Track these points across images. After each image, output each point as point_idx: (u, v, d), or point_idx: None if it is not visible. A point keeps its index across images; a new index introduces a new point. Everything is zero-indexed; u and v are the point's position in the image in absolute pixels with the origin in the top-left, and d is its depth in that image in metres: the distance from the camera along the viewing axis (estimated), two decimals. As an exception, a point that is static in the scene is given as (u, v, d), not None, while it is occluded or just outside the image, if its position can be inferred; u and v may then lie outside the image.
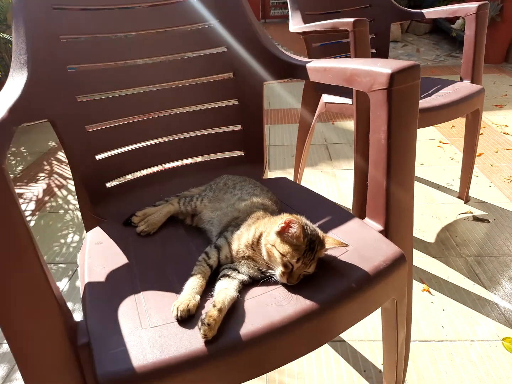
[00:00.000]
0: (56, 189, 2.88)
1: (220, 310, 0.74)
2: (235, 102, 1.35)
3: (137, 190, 1.30)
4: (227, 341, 0.73)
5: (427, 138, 3.28)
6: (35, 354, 0.66)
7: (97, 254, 1.00)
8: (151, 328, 0.76)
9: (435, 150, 3.04)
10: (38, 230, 2.36)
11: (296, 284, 0.84)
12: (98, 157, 1.22)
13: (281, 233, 0.85)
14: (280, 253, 0.83)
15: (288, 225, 0.83)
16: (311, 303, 0.79)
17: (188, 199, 1.17)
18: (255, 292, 0.84)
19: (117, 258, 0.99)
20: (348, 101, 1.98)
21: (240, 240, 0.91)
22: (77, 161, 1.17)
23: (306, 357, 1.49)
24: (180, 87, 1.32)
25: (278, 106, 4.03)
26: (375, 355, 1.50)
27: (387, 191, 0.94)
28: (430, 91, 2.08)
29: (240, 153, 1.40)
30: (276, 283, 0.86)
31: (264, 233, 0.90)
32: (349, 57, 1.90)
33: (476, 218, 2.22)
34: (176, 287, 0.87)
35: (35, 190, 2.89)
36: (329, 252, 0.91)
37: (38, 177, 3.08)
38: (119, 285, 0.89)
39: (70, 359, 0.70)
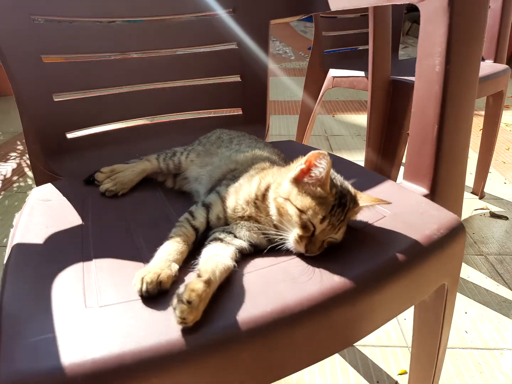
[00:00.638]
0: (26, 169, 2.60)
1: (207, 283, 0.48)
2: (234, 45, 1.09)
3: (108, 146, 1.03)
4: (217, 330, 0.47)
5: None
6: None
7: (41, 213, 0.74)
8: (99, 307, 0.49)
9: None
10: (0, 210, 2.09)
11: (317, 255, 0.59)
12: (56, 98, 0.95)
13: (300, 179, 0.60)
14: (298, 209, 0.58)
15: (311, 164, 0.58)
16: (343, 280, 0.54)
17: (170, 154, 0.91)
18: (259, 264, 0.59)
19: (68, 218, 0.73)
20: (360, 73, 1.76)
21: (239, 194, 0.65)
22: (28, 99, 0.90)
23: (306, 364, 1.23)
24: (169, 23, 1.06)
25: (275, 98, 3.81)
26: (389, 363, 1.25)
27: (438, 142, 0.70)
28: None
29: (237, 111, 1.15)
30: (288, 253, 0.60)
31: (273, 185, 0.64)
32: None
33: (493, 215, 2.01)
34: (145, 256, 0.61)
35: (3, 169, 2.61)
36: (360, 217, 0.66)
37: (8, 157, 2.81)
38: (63, 250, 0.63)
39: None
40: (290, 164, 0.66)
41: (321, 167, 0.57)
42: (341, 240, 0.61)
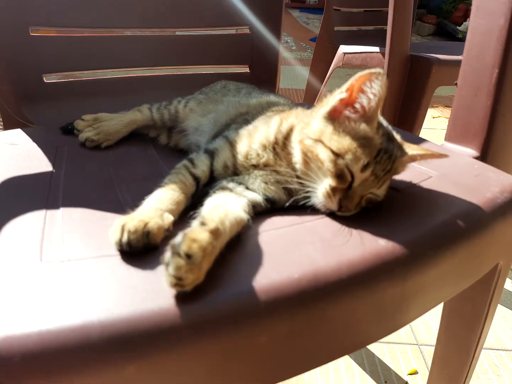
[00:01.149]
0: None
1: (214, 233, 0.35)
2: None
3: (94, 97, 0.88)
4: (226, 300, 0.33)
5: (439, 127, 2.98)
6: None
7: (4, 157, 0.59)
8: (60, 262, 0.35)
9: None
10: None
11: (351, 216, 0.45)
12: (34, 32, 0.79)
13: (338, 114, 0.46)
14: (333, 152, 0.44)
15: (357, 91, 0.44)
16: (392, 246, 0.40)
17: (165, 103, 0.76)
18: (278, 222, 0.45)
19: (35, 164, 0.58)
20: (374, 49, 1.62)
21: (254, 136, 0.51)
22: (-2, 29, 0.75)
23: (307, 359, 1.10)
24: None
25: (283, 86, 3.66)
26: (398, 362, 1.13)
27: (497, 91, 0.57)
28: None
29: (244, 68, 1.00)
30: (314, 211, 0.46)
31: (297, 126, 0.50)
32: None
33: None
34: (129, 210, 0.47)
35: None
36: (401, 177, 0.52)
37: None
38: (22, 196, 0.48)
39: None
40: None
41: (371, 93, 0.43)
42: (382, 199, 0.47)
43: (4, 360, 0.26)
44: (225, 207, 0.40)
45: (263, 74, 1.02)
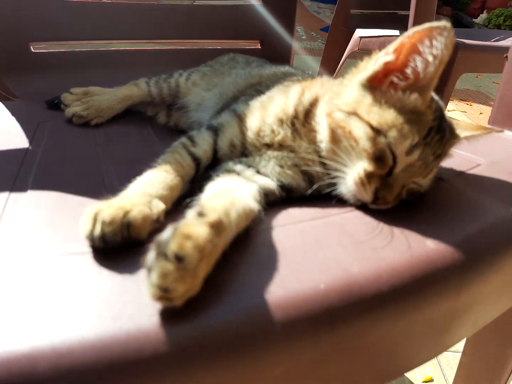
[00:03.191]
0: None
1: (215, 227, 0.26)
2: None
3: (86, 70, 0.79)
4: (228, 320, 0.24)
5: (454, 121, 2.88)
6: None
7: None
8: (10, 260, 0.26)
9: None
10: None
11: (388, 210, 0.36)
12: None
13: (381, 81, 0.36)
14: (372, 128, 0.35)
15: (412, 49, 0.34)
16: (444, 249, 0.31)
17: (164, 77, 0.67)
18: (297, 215, 0.36)
19: (10, 139, 0.50)
20: (394, 32, 1.51)
21: (268, 109, 0.42)
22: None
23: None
24: None
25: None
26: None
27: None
28: (495, 38, 1.65)
29: (255, 44, 0.91)
30: (341, 203, 0.37)
31: (324, 97, 0.41)
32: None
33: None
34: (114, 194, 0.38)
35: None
36: (445, 165, 0.43)
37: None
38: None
39: None
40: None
41: (430, 55, 0.33)
42: (426, 190, 0.38)
43: None
44: (232, 193, 0.31)
45: (276, 51, 0.92)
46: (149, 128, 0.67)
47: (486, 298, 0.35)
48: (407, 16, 1.37)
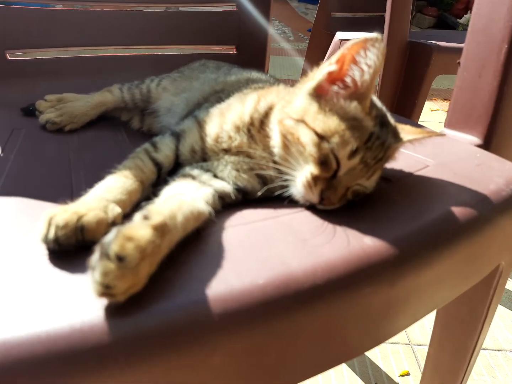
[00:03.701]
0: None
1: (159, 229, 0.28)
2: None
3: (62, 77, 0.81)
4: (170, 313, 0.27)
5: (437, 121, 2.93)
6: None
7: None
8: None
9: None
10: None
11: (334, 210, 0.39)
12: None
13: (325, 90, 0.39)
14: (317, 134, 0.38)
15: (349, 61, 0.37)
16: (380, 245, 0.34)
17: (136, 83, 0.69)
18: (249, 216, 0.38)
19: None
20: (371, 35, 1.55)
21: (225, 116, 0.44)
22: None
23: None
24: None
25: (280, 77, 3.58)
26: (389, 363, 1.09)
27: (505, 71, 0.50)
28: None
29: (230, 49, 0.93)
30: (292, 204, 0.40)
31: (278, 104, 0.43)
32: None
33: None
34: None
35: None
36: (395, 166, 0.46)
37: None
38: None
39: None
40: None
41: (365, 65, 0.36)
42: (371, 191, 0.41)
43: None
44: (180, 197, 0.33)
45: (251, 56, 0.95)
46: (123, 133, 0.69)
47: (422, 291, 0.37)
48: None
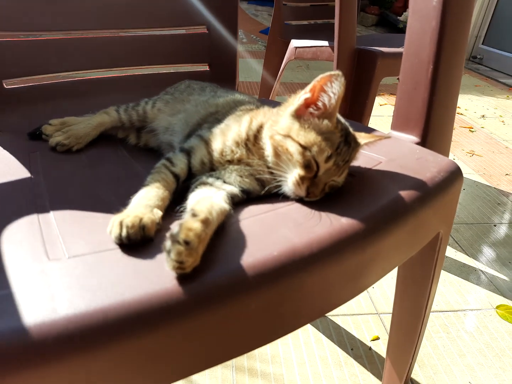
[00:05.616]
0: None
1: (204, 222, 0.40)
2: (201, -7, 0.99)
3: (54, 101, 0.89)
4: (220, 277, 0.39)
5: (386, 114, 3.16)
6: None
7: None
8: (68, 258, 0.39)
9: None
10: None
11: (317, 200, 0.52)
12: (-10, 38, 0.79)
13: (303, 112, 0.52)
14: (301, 145, 0.51)
15: (319, 90, 0.50)
16: (352, 222, 0.48)
17: (132, 105, 0.79)
18: (255, 210, 0.51)
19: (11, 171, 0.60)
20: (323, 43, 1.71)
21: (227, 135, 0.57)
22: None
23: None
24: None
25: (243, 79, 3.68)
26: (362, 331, 1.24)
27: (432, 85, 0.66)
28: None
29: (203, 66, 1.04)
30: (285, 199, 0.53)
31: (267, 124, 0.56)
32: None
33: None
34: (116, 209, 0.50)
35: None
36: (357, 164, 0.60)
37: None
38: (8, 203, 0.50)
39: None
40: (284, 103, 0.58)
41: (331, 93, 0.50)
42: (342, 185, 0.55)
43: (39, 344, 0.30)
44: (210, 199, 0.45)
45: (223, 72, 1.06)
46: (122, 149, 0.78)
47: (385, 253, 0.52)
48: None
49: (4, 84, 0.83)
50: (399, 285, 0.85)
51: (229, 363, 1.10)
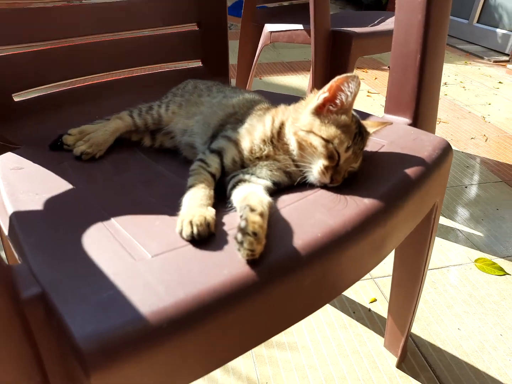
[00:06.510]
0: None
1: (261, 215, 0.47)
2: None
3: (61, 109, 0.91)
4: (279, 259, 0.47)
5: (365, 89, 3.27)
6: None
7: (19, 180, 0.64)
8: (151, 258, 0.45)
9: (365, 100, 3.04)
10: None
11: (339, 185, 0.60)
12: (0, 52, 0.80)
13: (322, 109, 0.59)
14: (324, 139, 0.58)
15: (336, 90, 0.57)
16: (373, 201, 0.56)
17: (145, 109, 0.83)
18: (287, 200, 0.58)
19: (54, 183, 0.64)
20: (298, 26, 1.77)
21: (253, 134, 0.63)
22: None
23: (289, 309, 1.29)
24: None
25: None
26: (360, 295, 1.37)
27: (421, 71, 0.75)
28: (376, 21, 1.97)
29: (197, 63, 1.09)
30: (311, 186, 0.61)
31: (287, 122, 0.63)
32: None
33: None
34: (162, 209, 0.57)
35: None
36: (365, 149, 0.69)
37: None
38: (70, 214, 0.55)
39: (10, 322, 0.37)
40: (299, 101, 0.65)
41: (348, 92, 0.57)
42: (357, 170, 0.63)
43: (156, 329, 0.37)
44: (257, 195, 0.53)
45: (215, 67, 1.11)
46: (139, 152, 0.83)
47: (399, 226, 0.61)
48: (307, 4, 1.58)
49: (14, 97, 0.85)
50: (397, 252, 0.96)
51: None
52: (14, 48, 0.84)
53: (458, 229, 1.68)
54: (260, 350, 1.16)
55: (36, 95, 0.89)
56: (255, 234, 0.44)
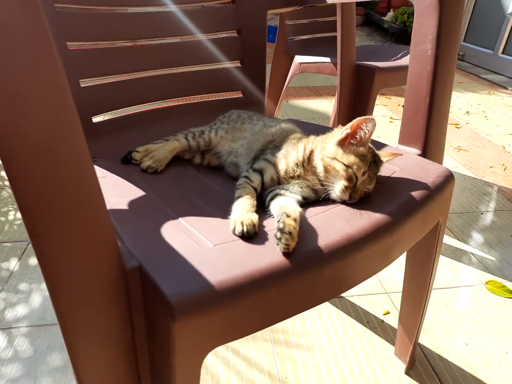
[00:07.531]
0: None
1: (295, 220, 0.63)
2: (234, 33, 1.21)
3: (127, 129, 1.11)
4: (307, 253, 0.62)
5: (379, 115, 3.40)
6: (74, 279, 0.49)
7: (106, 186, 0.81)
8: (213, 246, 0.61)
9: (388, 125, 3.17)
10: None
11: (356, 202, 0.75)
12: (83, 83, 1.00)
13: (345, 142, 0.75)
14: (345, 165, 0.74)
15: (357, 128, 0.73)
16: (383, 216, 0.71)
17: (198, 133, 1.01)
18: (313, 211, 0.74)
19: (131, 190, 0.81)
20: (325, 59, 1.95)
21: (288, 158, 0.80)
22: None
23: (308, 315, 1.42)
24: (175, 14, 1.15)
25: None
26: (374, 307, 1.48)
27: (429, 111, 0.90)
28: (398, 55, 2.13)
29: (237, 94, 1.27)
30: (333, 202, 0.76)
31: (316, 150, 0.79)
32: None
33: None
34: (215, 213, 0.73)
35: None
36: (380, 174, 0.84)
37: None
38: (148, 213, 0.72)
39: (117, 287, 0.53)
40: (326, 133, 0.81)
41: (366, 130, 0.73)
42: (372, 191, 0.78)
43: (218, 294, 0.53)
44: (291, 205, 0.68)
45: (253, 98, 1.29)
46: (190, 168, 1.00)
47: (404, 236, 0.75)
48: (335, 37, 1.73)
49: (93, 119, 1.05)
50: (407, 267, 1.08)
51: (267, 337, 1.33)
52: (96, 79, 1.05)
53: (472, 253, 1.77)
54: (280, 349, 1.29)
55: (110, 117, 1.09)
56: (290, 233, 0.59)
